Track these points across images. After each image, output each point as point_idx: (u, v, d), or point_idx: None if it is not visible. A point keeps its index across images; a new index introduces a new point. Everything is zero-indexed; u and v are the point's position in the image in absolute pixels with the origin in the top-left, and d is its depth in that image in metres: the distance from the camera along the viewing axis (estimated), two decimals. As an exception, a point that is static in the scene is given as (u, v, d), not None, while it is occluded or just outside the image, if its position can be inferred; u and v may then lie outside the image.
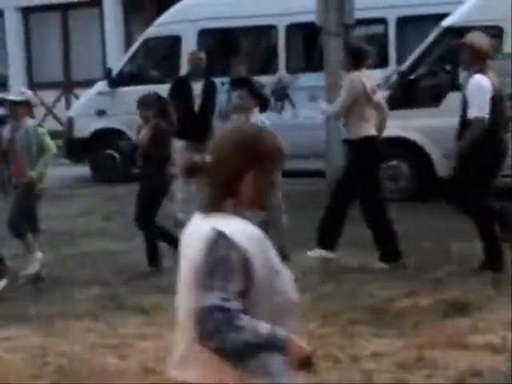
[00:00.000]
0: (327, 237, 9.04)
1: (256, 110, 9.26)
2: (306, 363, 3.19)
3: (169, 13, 14.83)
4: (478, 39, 8.90)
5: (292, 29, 14.40)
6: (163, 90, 10.87)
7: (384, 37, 14.30)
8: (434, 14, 13.19)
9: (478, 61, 8.64)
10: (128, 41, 18.74)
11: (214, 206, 3.06)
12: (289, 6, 14.21)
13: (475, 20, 11.77)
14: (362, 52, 9.16)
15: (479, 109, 8.24)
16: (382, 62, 13.30)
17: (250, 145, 3.06)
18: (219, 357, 2.94)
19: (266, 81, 12.30)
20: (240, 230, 3.04)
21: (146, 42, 14.92)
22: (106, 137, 14.75)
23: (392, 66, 13.57)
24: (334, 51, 12.12)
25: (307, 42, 14.95)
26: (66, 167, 15.19)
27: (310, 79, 13.55)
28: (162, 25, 14.84)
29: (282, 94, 13.78)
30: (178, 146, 10.59)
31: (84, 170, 15.20)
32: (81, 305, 8.22)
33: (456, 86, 10.97)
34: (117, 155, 14.51)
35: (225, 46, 15.17)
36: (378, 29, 14.91)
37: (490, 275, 7.67)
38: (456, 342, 6.77)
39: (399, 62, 13.31)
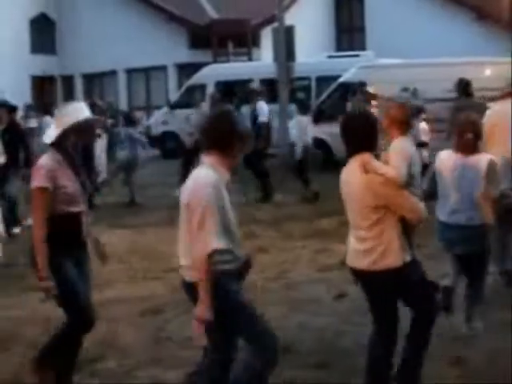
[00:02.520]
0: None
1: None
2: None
3: (200, 72, 24.45)
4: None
5: (263, 81, 22.15)
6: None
7: (309, 86, 22.76)
8: (335, 75, 19.92)
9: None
10: (180, 86, 28.02)
11: None
12: (261, 70, 22.90)
13: (352, 79, 18.10)
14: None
15: None
16: (308, 99, 20.98)
17: None
18: None
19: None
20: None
21: (188, 87, 24.21)
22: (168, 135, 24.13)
23: (312, 101, 20.91)
24: (284, 93, 19.88)
25: (271, 87, 20.89)
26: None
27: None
28: (197, 77, 24.31)
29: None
30: None
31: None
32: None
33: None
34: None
35: (227, 90, 21.05)
36: (305, 82, 22.87)
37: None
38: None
39: (317, 98, 21.01)
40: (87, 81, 34.66)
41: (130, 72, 32.58)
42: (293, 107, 17.17)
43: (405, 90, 15.94)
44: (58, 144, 5.62)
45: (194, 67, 26.77)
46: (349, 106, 15.06)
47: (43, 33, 33.78)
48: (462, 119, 6.70)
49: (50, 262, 5.41)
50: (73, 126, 5.56)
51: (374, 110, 12.37)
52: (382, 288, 5.14)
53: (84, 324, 5.63)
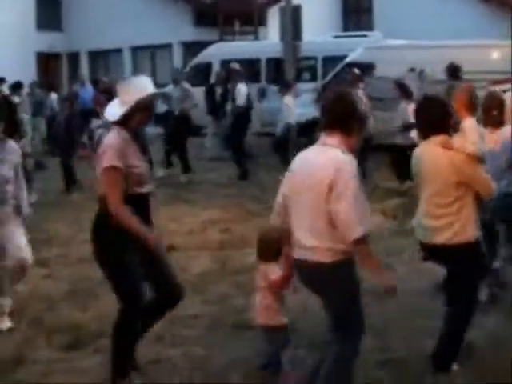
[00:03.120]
0: None
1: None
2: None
3: (206, 50, 24.09)
4: None
5: (269, 60, 23.03)
6: (201, 90, 18.73)
7: (315, 66, 22.63)
8: (341, 55, 19.46)
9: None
10: (185, 64, 27.15)
11: None
12: (267, 49, 22.90)
13: (359, 60, 17.97)
14: None
15: None
16: (313, 79, 21.71)
17: None
18: None
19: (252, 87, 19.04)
20: None
21: (195, 65, 23.83)
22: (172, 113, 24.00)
23: (319, 81, 20.58)
24: (290, 72, 19.10)
25: (276, 66, 21.71)
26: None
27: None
28: (202, 56, 23.93)
29: (263, 93, 20.29)
30: None
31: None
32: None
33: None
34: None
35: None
36: (311, 62, 22.63)
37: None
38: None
39: (323, 78, 20.63)
40: (93, 58, 34.52)
41: (136, 50, 32.48)
42: (298, 87, 17.12)
43: (411, 70, 15.98)
44: (123, 122, 5.27)
45: (200, 45, 26.58)
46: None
47: (49, 9, 33.53)
48: (488, 97, 6.95)
49: (114, 246, 5.20)
50: (140, 102, 5.24)
51: (360, 91, 12.87)
52: (459, 262, 5.41)
53: (136, 312, 5.33)
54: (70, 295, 7.58)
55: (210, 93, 18.64)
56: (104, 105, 16.82)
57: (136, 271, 5.30)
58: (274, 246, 5.29)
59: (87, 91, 22.01)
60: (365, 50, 18.94)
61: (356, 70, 15.43)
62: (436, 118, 5.38)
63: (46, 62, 33.70)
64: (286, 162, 14.52)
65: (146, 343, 5.88)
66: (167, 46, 31.34)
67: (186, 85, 16.66)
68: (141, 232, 5.08)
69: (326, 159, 4.56)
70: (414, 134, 12.16)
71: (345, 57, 19.31)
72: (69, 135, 14.56)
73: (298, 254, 4.69)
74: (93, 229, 5.31)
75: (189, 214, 11.57)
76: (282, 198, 4.82)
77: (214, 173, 16.20)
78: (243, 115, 16.23)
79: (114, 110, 5.28)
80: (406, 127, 12.61)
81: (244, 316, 6.70)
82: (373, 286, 6.29)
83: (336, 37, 24.59)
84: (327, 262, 4.49)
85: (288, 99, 15.87)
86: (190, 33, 30.44)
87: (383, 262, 7.78)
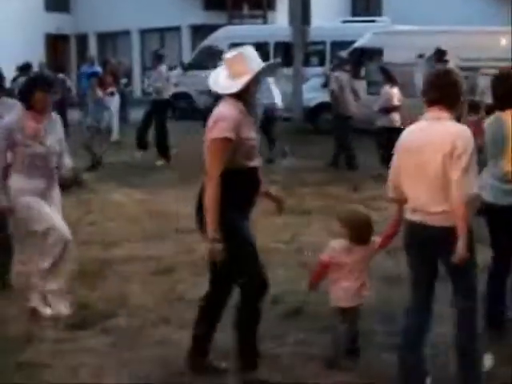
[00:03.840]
0: None
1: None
2: None
3: (215, 33, 24.26)
4: None
5: (278, 44, 23.38)
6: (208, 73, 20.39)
7: (323, 51, 22.99)
8: (350, 40, 19.83)
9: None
10: (194, 47, 27.89)
11: None
12: (276, 33, 23.58)
13: (367, 45, 18.92)
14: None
15: None
16: (322, 63, 22.44)
17: None
18: None
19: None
20: None
21: (202, 49, 23.93)
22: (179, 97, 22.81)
23: (327, 65, 21.14)
24: (298, 56, 20.03)
25: (285, 50, 21.91)
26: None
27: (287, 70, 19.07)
28: (211, 39, 23.98)
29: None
30: None
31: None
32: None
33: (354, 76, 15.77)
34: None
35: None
36: (320, 47, 23.11)
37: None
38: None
39: (331, 63, 19.45)
40: (101, 40, 34.63)
41: (144, 32, 32.45)
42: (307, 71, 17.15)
43: (420, 56, 15.98)
44: (238, 94, 5.06)
45: (209, 29, 26.62)
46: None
47: (57, -9, 33.36)
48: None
49: (224, 222, 4.96)
50: (258, 73, 5.06)
51: (345, 76, 13.91)
52: None
53: (261, 287, 5.21)
54: (77, 276, 7.54)
55: (218, 76, 18.63)
56: (111, 86, 16.96)
57: (255, 247, 5.18)
58: (371, 226, 5.52)
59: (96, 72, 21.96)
60: (373, 36, 19.06)
61: (343, 54, 15.56)
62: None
63: (55, 43, 33.70)
64: (272, 143, 15.24)
65: (151, 325, 5.93)
66: (176, 29, 31.34)
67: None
68: (212, 226, 4.94)
69: (443, 130, 4.76)
70: (397, 116, 13.21)
71: (353, 42, 19.49)
72: None
73: (417, 218, 4.85)
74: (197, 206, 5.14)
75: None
76: (395, 172, 4.94)
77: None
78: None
79: (225, 83, 5.09)
80: (388, 110, 13.33)
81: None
82: (383, 270, 6.33)
83: (345, 22, 24.66)
84: (450, 226, 4.67)
85: (271, 80, 15.91)
86: (199, 16, 30.41)
87: (389, 246, 7.96)
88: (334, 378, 5.25)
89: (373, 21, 23.07)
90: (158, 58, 16.13)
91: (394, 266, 7.17)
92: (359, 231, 5.55)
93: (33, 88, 6.57)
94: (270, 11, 30.04)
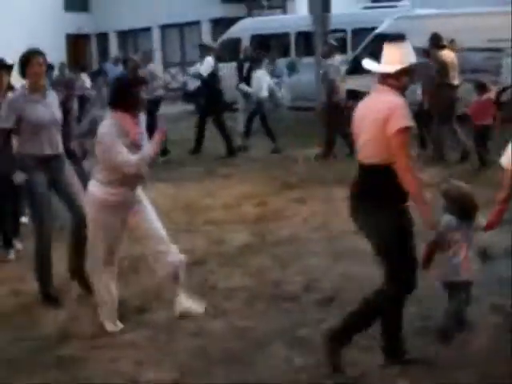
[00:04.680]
0: None
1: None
2: None
3: (235, 26, 24.24)
4: None
5: (298, 34, 23.37)
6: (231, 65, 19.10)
7: (344, 39, 22.44)
8: (371, 27, 19.72)
9: None
10: (214, 41, 27.14)
11: None
12: (296, 23, 23.29)
13: (388, 31, 17.37)
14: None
15: None
16: (343, 51, 21.32)
17: None
18: None
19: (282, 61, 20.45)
20: None
21: (223, 41, 23.68)
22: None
23: (349, 53, 21.08)
24: (319, 46, 18.83)
25: (306, 40, 22.15)
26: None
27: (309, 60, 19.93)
28: (231, 32, 24.04)
29: (293, 67, 21.37)
30: None
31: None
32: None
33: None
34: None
35: (262, 43, 22.01)
36: (341, 34, 21.82)
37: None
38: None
39: (353, 50, 20.93)
40: (121, 38, 34.69)
41: (164, 28, 32.48)
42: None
43: (442, 40, 15.91)
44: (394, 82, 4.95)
45: (228, 22, 26.60)
46: None
47: (76, -10, 33.54)
48: None
49: (394, 210, 4.89)
50: (412, 66, 4.98)
51: (337, 63, 13.95)
52: None
53: (410, 283, 5.03)
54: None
55: (239, 68, 18.66)
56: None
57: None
58: (475, 201, 5.46)
59: (118, 70, 21.97)
60: (394, 21, 18.81)
61: (332, 41, 15.55)
62: None
63: (75, 43, 33.82)
64: (270, 135, 15.41)
65: (189, 316, 6.00)
66: (196, 24, 31.36)
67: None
68: (423, 207, 4.85)
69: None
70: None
71: (374, 28, 19.30)
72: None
73: None
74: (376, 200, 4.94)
75: (224, 188, 11.57)
76: None
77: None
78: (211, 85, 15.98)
79: (384, 67, 5.00)
80: None
81: (282, 288, 6.79)
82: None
83: (365, 8, 24.46)
84: None
85: (260, 73, 16.00)
86: (218, 9, 30.41)
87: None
88: (372, 363, 5.22)
89: (394, 6, 22.88)
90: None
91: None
92: (465, 206, 5.49)
93: (129, 88, 5.98)
94: (289, 1, 29.97)
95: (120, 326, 6.21)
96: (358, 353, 5.27)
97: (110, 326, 6.18)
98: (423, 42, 15.75)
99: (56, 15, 31.89)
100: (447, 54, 13.27)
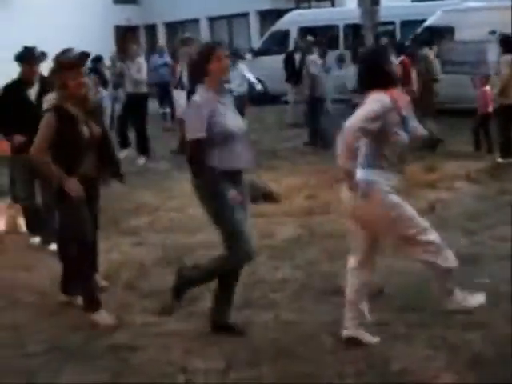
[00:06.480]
0: None
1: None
2: None
3: (283, 18, 24.36)
4: None
5: (347, 26, 23.57)
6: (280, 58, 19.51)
7: (393, 31, 22.58)
8: (420, 20, 19.83)
9: None
10: (262, 33, 28.06)
11: None
12: (345, 15, 23.58)
13: (437, 23, 18.74)
14: None
15: None
16: (393, 44, 22.62)
17: None
18: None
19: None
20: None
21: (272, 33, 23.94)
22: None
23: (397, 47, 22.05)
24: (368, 38, 20.07)
25: (354, 32, 22.47)
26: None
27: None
28: (280, 24, 24.14)
29: (342, 60, 21.06)
30: None
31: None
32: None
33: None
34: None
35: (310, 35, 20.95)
36: (390, 27, 22.78)
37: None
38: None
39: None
40: (170, 30, 34.81)
41: (213, 20, 32.57)
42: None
43: (493, 33, 15.78)
44: None
45: (276, 14, 26.64)
46: None
47: (125, -17, 33.81)
48: None
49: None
50: None
51: (315, 59, 14.14)
52: None
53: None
54: (161, 261, 7.72)
55: (288, 60, 18.71)
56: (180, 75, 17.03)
57: None
58: None
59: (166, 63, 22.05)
60: (443, 14, 18.76)
61: (310, 37, 16.11)
62: None
63: (125, 35, 34.04)
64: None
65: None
66: (244, 15, 31.40)
67: None
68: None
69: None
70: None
71: (423, 21, 19.25)
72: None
73: None
74: None
75: (273, 180, 11.54)
76: None
77: (295, 140, 16.24)
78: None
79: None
80: None
81: (331, 281, 6.77)
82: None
83: (414, 0, 24.30)
84: None
85: (242, 67, 16.08)
86: (267, 1, 30.40)
87: (464, 226, 7.96)
88: (416, 358, 5.21)
89: (443, -2, 22.73)
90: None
91: None
92: None
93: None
94: (337, -6, 29.89)
95: None
96: (400, 344, 5.29)
97: None
98: (472, 34, 15.72)
99: (105, 7, 32.20)
100: None
